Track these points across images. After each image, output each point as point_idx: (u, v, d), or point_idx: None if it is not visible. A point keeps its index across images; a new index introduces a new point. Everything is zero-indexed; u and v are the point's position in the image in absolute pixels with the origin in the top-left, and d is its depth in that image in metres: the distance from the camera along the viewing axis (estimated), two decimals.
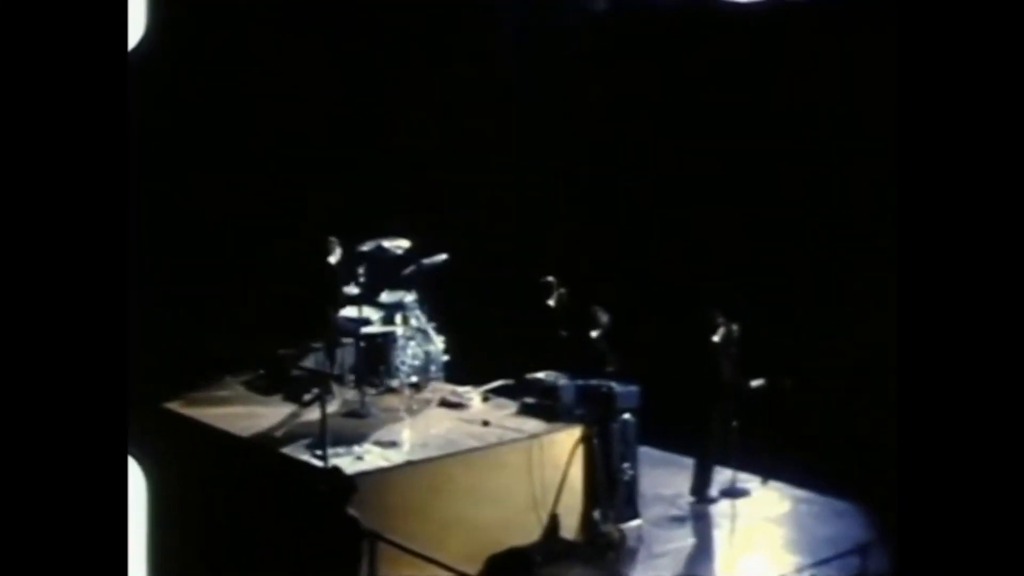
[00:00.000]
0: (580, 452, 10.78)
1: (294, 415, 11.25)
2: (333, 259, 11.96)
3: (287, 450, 10.33)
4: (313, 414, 10.62)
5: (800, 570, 9.95)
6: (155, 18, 7.13)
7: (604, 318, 11.16)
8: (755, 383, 11.43)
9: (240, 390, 12.14)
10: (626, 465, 10.82)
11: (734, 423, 11.32)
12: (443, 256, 12.56)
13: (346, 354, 12.18)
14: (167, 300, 11.56)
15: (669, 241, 13.49)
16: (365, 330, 12.00)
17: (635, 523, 10.85)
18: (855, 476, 10.80)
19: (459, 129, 13.67)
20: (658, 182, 13.53)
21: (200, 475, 10.32)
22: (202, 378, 12.11)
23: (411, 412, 11.50)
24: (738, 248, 12.98)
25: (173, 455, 9.11)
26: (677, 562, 10.41)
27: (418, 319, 12.46)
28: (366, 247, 12.26)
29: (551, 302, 11.38)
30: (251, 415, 11.29)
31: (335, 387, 11.65)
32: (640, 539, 10.71)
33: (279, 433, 10.79)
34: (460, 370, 12.50)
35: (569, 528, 10.68)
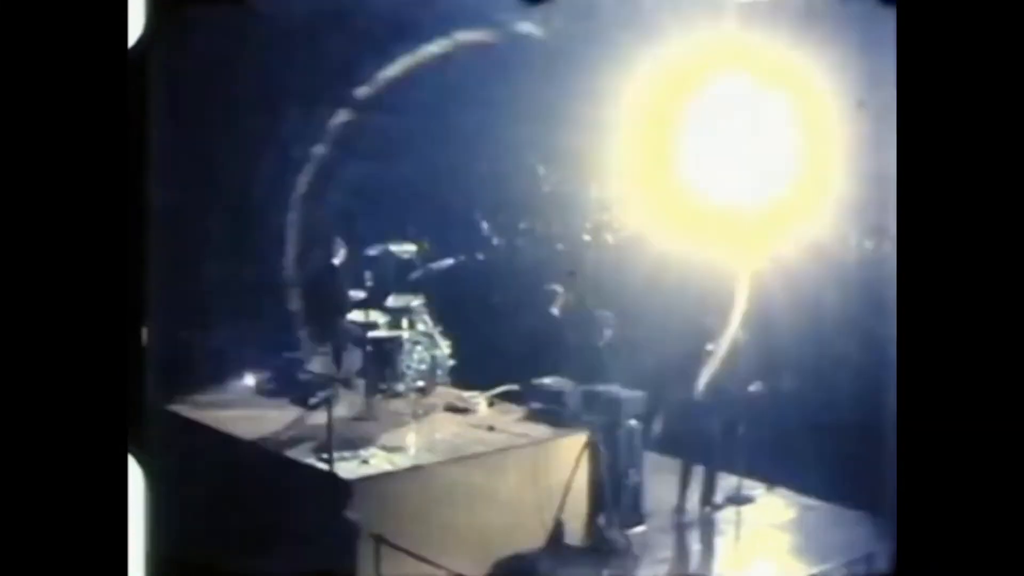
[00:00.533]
0: (586, 458, 10.77)
1: (300, 419, 11.27)
2: (338, 261, 11.96)
3: (292, 453, 10.33)
4: (319, 418, 10.62)
5: None
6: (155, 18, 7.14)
7: (609, 324, 11.14)
8: (752, 387, 11.40)
9: (246, 394, 12.15)
10: (632, 471, 10.83)
11: (740, 429, 11.30)
12: (450, 261, 12.56)
13: (353, 358, 12.19)
14: (170, 301, 11.53)
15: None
16: (372, 334, 12.02)
17: (640, 529, 10.85)
18: (860, 483, 10.74)
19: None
20: None
21: (203, 477, 10.32)
22: (208, 381, 12.12)
23: (417, 416, 11.48)
24: None
25: (177, 458, 9.10)
26: (682, 568, 10.40)
27: (425, 323, 12.46)
28: (373, 251, 12.26)
29: (555, 310, 11.39)
30: (257, 419, 11.29)
31: (341, 391, 11.65)
32: (645, 545, 10.70)
33: (284, 437, 10.80)
34: (466, 375, 12.49)
35: (574, 534, 10.67)
